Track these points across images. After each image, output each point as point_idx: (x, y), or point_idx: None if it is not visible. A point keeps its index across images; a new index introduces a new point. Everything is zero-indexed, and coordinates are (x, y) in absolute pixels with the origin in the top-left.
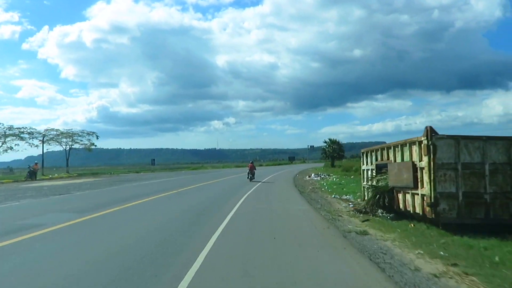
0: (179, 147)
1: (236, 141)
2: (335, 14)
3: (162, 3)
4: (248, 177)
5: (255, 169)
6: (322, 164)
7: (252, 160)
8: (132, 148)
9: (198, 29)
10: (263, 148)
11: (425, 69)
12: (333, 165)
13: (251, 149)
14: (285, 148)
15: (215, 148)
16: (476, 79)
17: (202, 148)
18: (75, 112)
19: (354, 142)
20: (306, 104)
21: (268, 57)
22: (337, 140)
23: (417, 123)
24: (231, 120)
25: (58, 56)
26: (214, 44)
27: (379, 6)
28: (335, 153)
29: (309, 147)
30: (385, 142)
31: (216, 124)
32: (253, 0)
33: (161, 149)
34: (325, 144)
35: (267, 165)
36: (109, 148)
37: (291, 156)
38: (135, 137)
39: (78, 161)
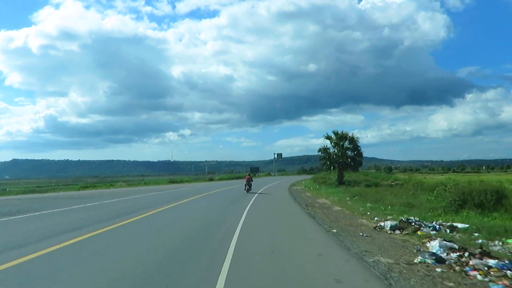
0: (132, 159)
1: (192, 153)
2: (290, 28)
3: (115, 10)
4: (245, 189)
5: (252, 180)
6: (304, 177)
7: (249, 173)
8: (81, 159)
9: (153, 39)
10: (219, 160)
11: (377, 84)
12: (341, 182)
13: (206, 161)
14: (241, 160)
15: (169, 160)
16: (423, 95)
17: (156, 160)
18: (20, 121)
19: (309, 155)
20: (262, 116)
21: (224, 69)
22: (351, 135)
23: (369, 137)
24: (187, 132)
25: (2, 62)
26: (169, 55)
27: (332, 22)
28: (347, 159)
29: (275, 156)
30: None
31: (171, 135)
32: (210, 12)
33: (112, 160)
34: (329, 141)
35: (219, 179)
36: (56, 159)
37: (254, 167)
38: (85, 149)
39: (21, 173)
